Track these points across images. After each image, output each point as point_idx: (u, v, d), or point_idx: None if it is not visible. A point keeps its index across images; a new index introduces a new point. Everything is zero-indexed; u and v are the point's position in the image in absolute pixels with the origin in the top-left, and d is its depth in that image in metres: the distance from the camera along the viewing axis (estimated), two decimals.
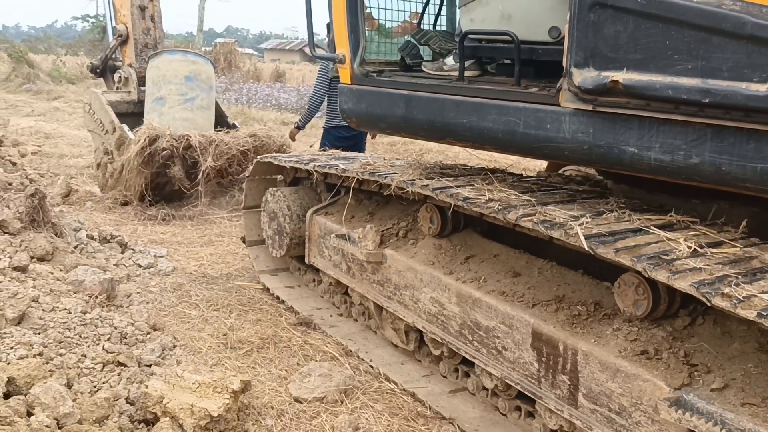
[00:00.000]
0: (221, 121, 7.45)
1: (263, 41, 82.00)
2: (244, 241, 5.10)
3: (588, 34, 2.38)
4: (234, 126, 7.38)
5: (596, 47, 2.37)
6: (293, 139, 7.27)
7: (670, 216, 2.58)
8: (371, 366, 3.64)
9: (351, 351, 3.80)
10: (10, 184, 4.71)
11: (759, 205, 2.64)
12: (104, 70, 7.96)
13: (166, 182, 6.63)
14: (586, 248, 2.25)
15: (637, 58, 2.28)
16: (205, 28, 38.54)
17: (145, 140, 6.19)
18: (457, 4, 3.25)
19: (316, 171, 4.14)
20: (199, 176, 6.38)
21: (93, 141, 7.51)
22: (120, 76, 7.48)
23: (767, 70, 1.99)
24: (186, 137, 6.33)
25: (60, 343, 3.28)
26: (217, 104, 7.55)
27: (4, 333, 3.17)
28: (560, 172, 4.28)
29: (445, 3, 3.87)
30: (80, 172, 8.23)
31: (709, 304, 1.91)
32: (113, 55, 7.81)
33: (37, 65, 21.56)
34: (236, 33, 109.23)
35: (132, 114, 7.18)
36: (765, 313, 1.77)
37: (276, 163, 4.59)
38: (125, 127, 6.71)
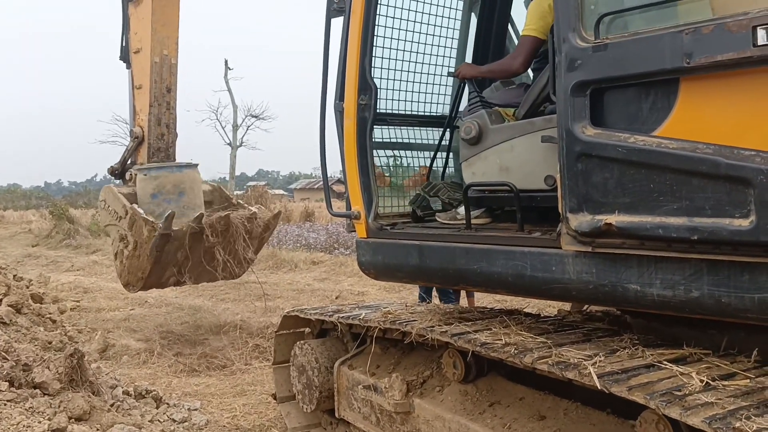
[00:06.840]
0: (228, 205, 7.81)
1: (293, 182, 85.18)
2: (275, 398, 5.11)
3: (578, 182, 2.54)
4: (238, 204, 7.81)
5: (587, 193, 2.52)
6: None
7: (683, 349, 2.61)
8: None
9: None
10: (50, 343, 4.89)
11: None
12: (123, 172, 8.20)
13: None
14: (599, 387, 2.28)
15: (626, 202, 2.42)
16: (237, 173, 40.48)
17: (159, 228, 6.60)
18: (460, 159, 3.48)
19: (340, 322, 4.24)
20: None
21: (111, 236, 7.73)
22: (131, 174, 7.83)
23: (747, 205, 2.11)
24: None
25: None
26: (220, 191, 8.01)
27: None
28: (584, 309, 4.31)
29: (451, 157, 4.13)
30: (117, 325, 8.44)
31: None
32: (130, 157, 8.12)
33: (77, 220, 22.06)
34: (267, 176, 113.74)
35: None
36: None
37: (302, 316, 4.70)
38: (135, 206, 7.03)
